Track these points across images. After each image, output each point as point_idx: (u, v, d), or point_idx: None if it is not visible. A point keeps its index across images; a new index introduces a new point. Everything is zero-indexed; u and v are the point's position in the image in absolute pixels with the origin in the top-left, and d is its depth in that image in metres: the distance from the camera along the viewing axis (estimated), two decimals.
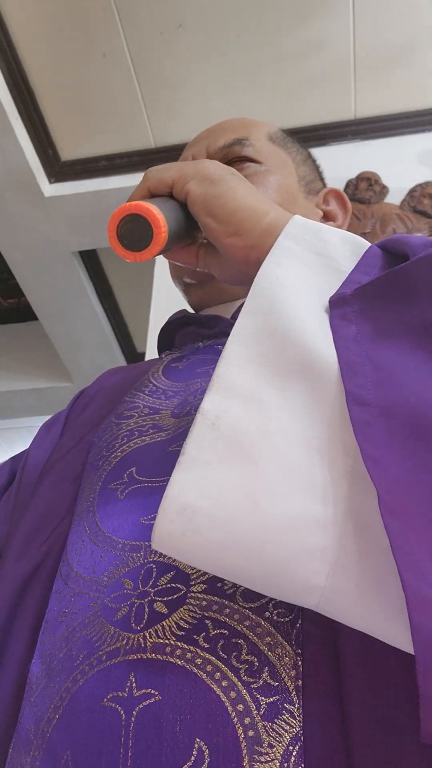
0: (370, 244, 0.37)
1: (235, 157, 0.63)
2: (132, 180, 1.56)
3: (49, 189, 1.60)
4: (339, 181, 1.40)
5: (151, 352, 1.31)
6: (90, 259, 1.89)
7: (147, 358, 1.32)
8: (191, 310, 0.69)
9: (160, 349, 0.68)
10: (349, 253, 0.37)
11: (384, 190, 1.39)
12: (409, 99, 1.42)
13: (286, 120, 1.45)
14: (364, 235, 1.35)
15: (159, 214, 0.39)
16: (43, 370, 2.35)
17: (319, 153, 1.44)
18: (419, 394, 0.27)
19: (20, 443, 3.01)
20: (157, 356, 1.25)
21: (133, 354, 2.22)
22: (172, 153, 1.54)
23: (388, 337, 0.31)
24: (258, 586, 0.28)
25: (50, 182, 1.60)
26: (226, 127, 0.66)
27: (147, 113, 1.51)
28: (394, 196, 1.38)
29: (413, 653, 0.23)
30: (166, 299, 1.38)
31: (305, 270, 0.35)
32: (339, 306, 0.33)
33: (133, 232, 0.39)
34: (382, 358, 0.30)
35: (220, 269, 0.45)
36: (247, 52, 1.40)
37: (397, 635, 0.26)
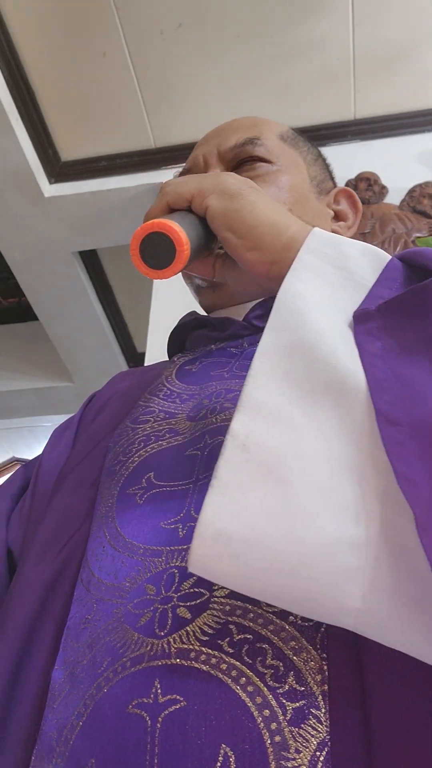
0: (390, 257, 0.38)
1: (246, 157, 0.62)
2: (132, 180, 1.56)
3: (50, 189, 1.60)
4: (338, 182, 1.40)
5: (152, 352, 1.31)
6: (90, 259, 1.89)
7: (147, 358, 1.32)
8: (199, 312, 0.69)
9: (171, 351, 0.67)
10: (369, 266, 0.37)
11: (383, 191, 1.39)
12: (409, 99, 1.42)
13: (286, 120, 1.44)
14: (363, 235, 1.35)
15: (182, 232, 0.39)
16: (43, 370, 2.35)
17: None
18: None
19: (20, 443, 3.02)
20: (158, 357, 1.25)
21: (133, 354, 2.23)
22: (172, 153, 1.54)
23: (413, 353, 0.31)
24: (294, 607, 0.28)
25: (50, 182, 1.60)
26: (237, 125, 0.66)
27: (147, 113, 1.51)
28: (394, 197, 1.39)
29: None
30: (166, 299, 1.38)
31: (327, 284, 0.35)
32: (363, 321, 0.33)
33: (156, 250, 0.39)
34: (409, 375, 0.30)
35: (238, 282, 0.45)
36: (247, 52, 1.40)
37: None
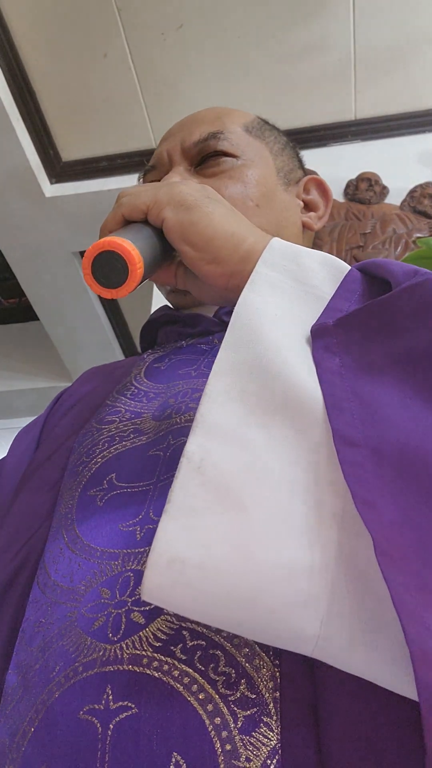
0: (349, 268, 0.37)
1: (210, 152, 0.61)
2: (133, 180, 1.56)
3: (50, 189, 1.60)
4: (339, 182, 1.40)
5: None
6: None
7: None
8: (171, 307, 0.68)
9: (143, 347, 0.66)
10: (328, 277, 0.36)
11: (384, 191, 1.39)
12: (409, 99, 1.42)
13: (286, 120, 1.45)
14: (364, 235, 1.35)
15: (134, 250, 0.38)
16: (43, 370, 2.35)
17: (319, 153, 1.44)
18: (407, 432, 0.27)
19: None
20: None
21: (133, 354, 2.22)
22: None
23: (372, 370, 0.30)
24: (252, 635, 0.27)
25: (51, 182, 1.60)
26: (200, 119, 0.64)
27: (148, 114, 1.51)
28: (395, 197, 1.39)
29: (415, 699, 0.23)
30: (166, 299, 1.38)
31: (285, 298, 0.34)
32: (321, 336, 0.32)
33: (109, 268, 0.38)
34: (368, 393, 0.29)
35: (200, 291, 0.44)
36: (247, 53, 1.40)
37: (396, 681, 0.26)
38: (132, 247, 0.38)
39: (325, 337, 0.32)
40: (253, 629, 0.27)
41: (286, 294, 0.35)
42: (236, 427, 0.29)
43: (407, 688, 0.26)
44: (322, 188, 0.69)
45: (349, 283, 0.36)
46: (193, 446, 0.28)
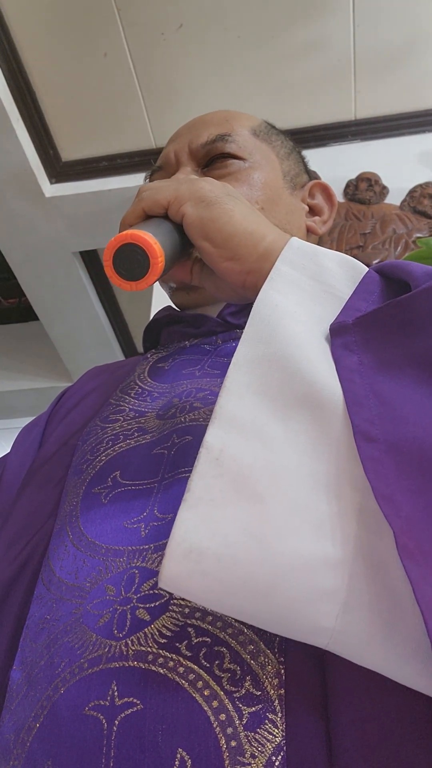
0: (367, 269, 0.37)
1: (217, 154, 0.61)
2: (133, 180, 1.56)
3: (50, 189, 1.60)
4: (339, 182, 1.40)
5: None
6: (90, 259, 1.89)
7: None
8: (175, 307, 0.68)
9: (146, 347, 0.67)
10: (346, 278, 0.36)
11: (384, 191, 1.39)
12: (409, 99, 1.42)
13: (286, 120, 1.45)
14: (364, 235, 1.35)
15: (156, 244, 0.38)
16: (43, 370, 2.35)
17: (319, 153, 1.45)
18: (426, 429, 0.27)
19: None
20: None
21: (133, 354, 2.23)
22: None
23: (390, 368, 0.30)
24: (267, 625, 0.28)
25: (51, 182, 1.60)
26: (208, 121, 0.64)
27: (148, 113, 1.51)
28: (395, 197, 1.39)
29: (429, 695, 0.23)
30: (167, 299, 1.38)
31: (303, 296, 0.35)
32: (340, 335, 0.33)
33: (130, 261, 0.38)
34: (387, 390, 0.29)
35: (216, 288, 0.44)
36: (247, 53, 1.40)
37: (413, 676, 0.26)
38: (154, 241, 0.38)
39: (344, 335, 0.32)
40: (269, 620, 0.27)
41: (305, 292, 0.35)
42: (255, 420, 0.29)
43: (424, 683, 0.26)
44: (327, 193, 0.70)
45: (367, 284, 0.36)
46: (212, 437, 0.28)
